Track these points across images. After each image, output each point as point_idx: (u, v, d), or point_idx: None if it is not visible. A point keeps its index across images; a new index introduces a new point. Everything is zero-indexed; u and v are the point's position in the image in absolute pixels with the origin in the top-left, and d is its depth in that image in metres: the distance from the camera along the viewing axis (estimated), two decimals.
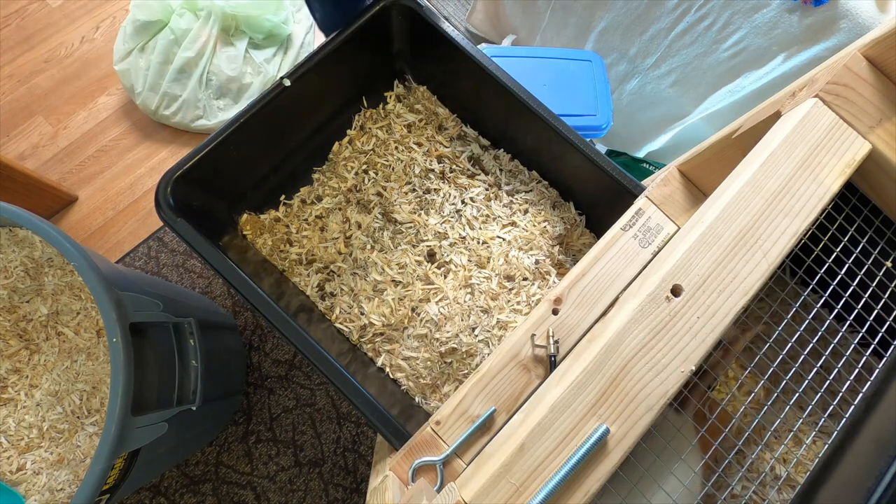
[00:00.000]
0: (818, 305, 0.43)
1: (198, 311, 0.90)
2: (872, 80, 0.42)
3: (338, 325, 0.68)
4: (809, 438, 0.44)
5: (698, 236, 0.38)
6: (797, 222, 0.39)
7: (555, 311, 0.59)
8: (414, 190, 0.72)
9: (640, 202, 0.62)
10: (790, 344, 0.42)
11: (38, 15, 1.39)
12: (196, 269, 1.24)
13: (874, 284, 0.44)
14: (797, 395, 0.43)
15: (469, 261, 0.70)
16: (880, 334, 0.43)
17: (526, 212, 0.73)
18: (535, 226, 0.72)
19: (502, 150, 0.77)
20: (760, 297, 0.41)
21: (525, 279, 0.69)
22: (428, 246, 0.70)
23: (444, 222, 0.71)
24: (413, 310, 0.67)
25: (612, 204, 0.66)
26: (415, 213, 0.71)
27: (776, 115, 0.45)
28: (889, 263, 0.45)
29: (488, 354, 0.64)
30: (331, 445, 1.18)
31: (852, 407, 0.41)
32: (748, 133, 0.49)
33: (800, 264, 0.45)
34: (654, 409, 0.35)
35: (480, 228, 0.71)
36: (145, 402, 0.65)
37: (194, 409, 0.71)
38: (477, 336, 0.66)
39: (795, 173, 0.40)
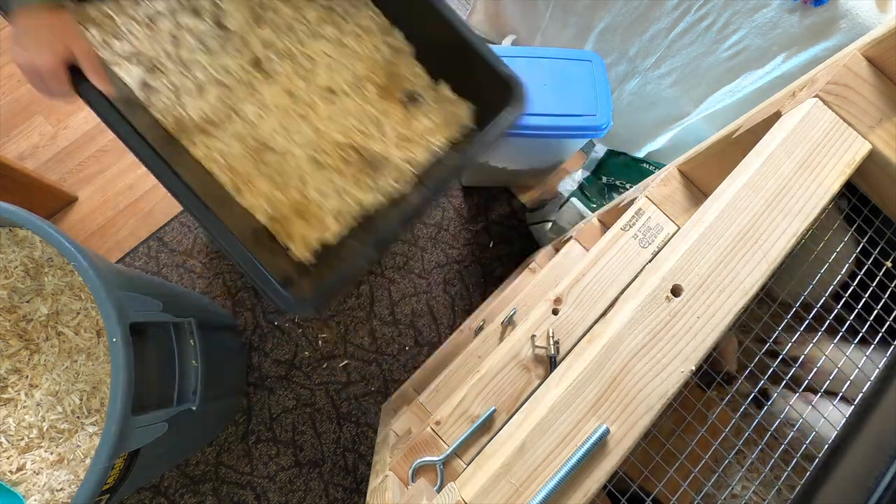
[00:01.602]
0: (818, 305, 0.43)
1: (198, 311, 0.90)
2: (872, 80, 0.42)
3: (156, 115, 0.70)
4: (809, 439, 0.44)
5: (698, 236, 0.38)
6: (797, 222, 0.39)
7: (555, 311, 0.59)
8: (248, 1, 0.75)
9: (640, 202, 0.63)
10: (790, 344, 0.42)
11: None
12: (196, 269, 1.24)
13: (874, 284, 0.44)
14: (796, 395, 0.43)
15: (294, 72, 0.74)
16: (880, 334, 0.43)
17: (358, 35, 0.77)
18: (361, 49, 0.77)
19: None
20: (760, 297, 0.41)
21: (345, 93, 0.75)
22: (253, 53, 0.74)
23: (274, 35, 0.74)
24: (233, 109, 0.72)
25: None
26: (247, 23, 0.74)
27: (776, 115, 0.45)
28: (889, 263, 0.45)
29: (305, 156, 0.72)
30: (331, 445, 1.18)
31: (852, 407, 0.41)
32: (748, 133, 0.49)
33: None
34: (654, 409, 0.35)
35: (309, 46, 0.75)
36: (145, 402, 0.65)
37: (194, 409, 0.71)
38: (293, 137, 0.72)
39: (795, 173, 0.40)
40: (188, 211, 0.59)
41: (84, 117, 1.32)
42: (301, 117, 0.73)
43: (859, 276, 0.44)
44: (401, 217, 0.66)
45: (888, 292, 0.44)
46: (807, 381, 0.44)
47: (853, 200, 0.45)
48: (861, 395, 0.41)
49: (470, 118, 0.76)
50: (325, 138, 0.73)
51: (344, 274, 0.61)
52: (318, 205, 0.71)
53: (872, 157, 0.41)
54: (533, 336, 0.58)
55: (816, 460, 0.39)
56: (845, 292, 0.44)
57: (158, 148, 0.59)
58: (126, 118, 0.59)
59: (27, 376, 0.75)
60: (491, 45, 0.72)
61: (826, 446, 0.40)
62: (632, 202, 0.65)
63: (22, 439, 0.72)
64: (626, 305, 0.38)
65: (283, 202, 0.70)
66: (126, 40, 0.72)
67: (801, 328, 0.43)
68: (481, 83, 0.71)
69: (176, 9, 0.73)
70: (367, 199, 0.73)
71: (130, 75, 0.71)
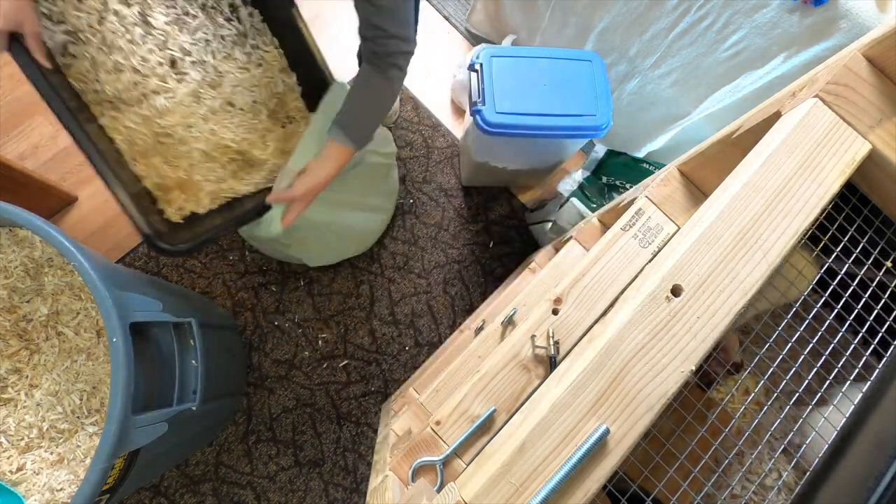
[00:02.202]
0: (818, 305, 0.43)
1: (198, 312, 0.90)
2: (872, 80, 0.42)
3: (72, 81, 0.77)
4: (809, 439, 0.44)
5: (698, 236, 0.38)
6: (797, 222, 0.39)
7: (555, 311, 0.59)
8: (174, 7, 0.83)
9: (640, 202, 0.62)
10: (790, 344, 0.42)
11: None
12: (196, 269, 1.24)
13: (874, 284, 0.44)
14: (797, 394, 0.43)
15: (203, 79, 0.84)
16: (880, 334, 0.43)
17: (259, 65, 0.90)
18: (263, 77, 0.90)
19: (257, 9, 0.89)
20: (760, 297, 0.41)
21: (241, 109, 0.89)
22: (172, 54, 0.82)
23: (192, 43, 0.83)
24: (144, 95, 0.80)
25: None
26: (169, 24, 0.82)
27: (776, 115, 0.45)
28: (889, 263, 0.45)
29: (198, 149, 0.84)
30: (331, 445, 1.18)
31: (852, 406, 0.41)
32: (748, 133, 0.49)
33: None
34: (654, 409, 0.35)
35: (221, 61, 0.86)
36: (145, 402, 0.65)
37: (194, 408, 0.71)
38: (192, 132, 0.84)
39: (795, 173, 0.40)
40: (91, 164, 0.73)
41: None
42: (202, 118, 0.85)
43: (859, 276, 0.44)
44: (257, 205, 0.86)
45: (888, 292, 0.44)
46: (807, 381, 0.44)
47: (853, 200, 0.45)
48: (861, 395, 0.41)
49: None
50: (218, 139, 0.86)
51: (200, 234, 0.83)
52: (198, 186, 0.86)
53: (872, 157, 0.41)
54: (533, 336, 0.58)
55: (817, 460, 0.39)
56: (845, 292, 0.44)
57: (73, 110, 0.73)
58: (50, 82, 0.70)
59: (27, 376, 0.75)
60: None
61: (826, 446, 0.40)
62: (632, 202, 0.65)
63: (22, 439, 0.72)
64: (626, 305, 0.38)
65: (170, 177, 0.84)
66: (53, 3, 0.76)
67: (802, 328, 0.43)
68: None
69: None
70: (242, 188, 0.90)
71: (53, 39, 0.76)
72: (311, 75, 0.92)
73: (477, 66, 1.01)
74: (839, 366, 0.43)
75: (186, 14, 0.83)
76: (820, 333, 0.43)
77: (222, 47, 0.86)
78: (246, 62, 0.89)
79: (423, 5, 1.48)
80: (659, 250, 0.59)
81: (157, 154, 0.83)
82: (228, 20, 0.87)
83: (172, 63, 0.83)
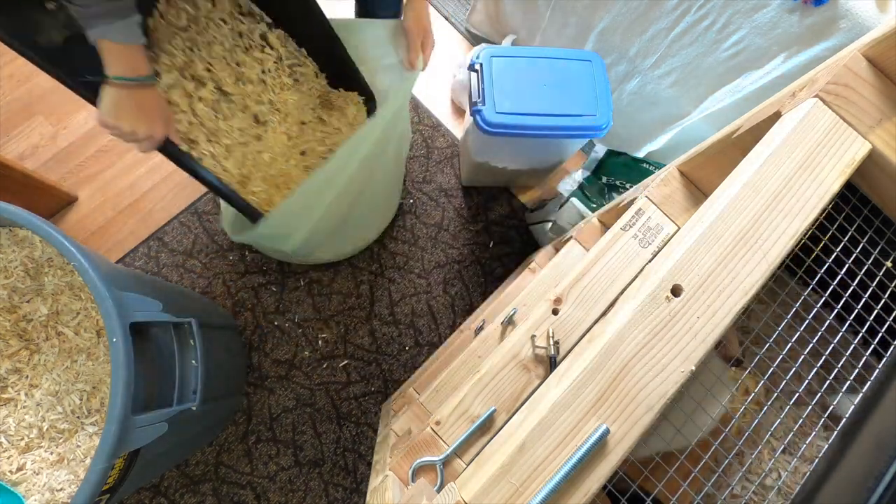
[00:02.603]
0: (818, 305, 0.43)
1: (198, 311, 0.90)
2: (872, 80, 0.42)
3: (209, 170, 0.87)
4: (809, 438, 0.44)
5: (698, 236, 0.38)
6: (797, 222, 0.39)
7: (555, 311, 0.59)
8: (229, 65, 0.87)
9: (640, 202, 0.63)
10: (790, 344, 0.42)
11: None
12: (196, 269, 1.24)
13: (874, 284, 0.44)
14: (797, 394, 0.43)
15: (280, 121, 0.93)
16: (880, 334, 0.43)
17: (297, 80, 0.96)
18: (306, 85, 0.97)
19: (280, 30, 0.92)
20: (760, 297, 0.41)
21: (310, 121, 0.98)
22: (253, 113, 0.90)
23: (259, 91, 0.90)
24: (254, 160, 0.91)
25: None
26: (237, 84, 0.87)
27: (776, 115, 0.45)
28: (889, 263, 0.45)
29: (296, 168, 0.96)
30: (331, 445, 1.18)
31: (852, 407, 0.41)
32: (748, 133, 0.49)
33: (800, 264, 0.45)
34: (654, 409, 0.35)
35: (279, 93, 0.93)
36: (145, 402, 0.65)
37: (194, 408, 0.71)
38: (290, 164, 0.96)
39: (795, 173, 0.40)
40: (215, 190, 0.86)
41: (84, 117, 1.32)
42: (291, 147, 0.96)
43: (859, 276, 0.44)
44: None
45: (888, 292, 0.44)
46: (807, 381, 0.44)
47: (853, 200, 0.45)
48: (861, 395, 0.41)
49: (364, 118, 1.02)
50: (307, 159, 0.98)
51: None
52: (287, 188, 0.97)
53: (872, 157, 0.41)
54: (533, 336, 0.58)
55: (817, 460, 0.40)
56: (845, 292, 0.44)
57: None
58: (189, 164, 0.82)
59: (27, 376, 0.75)
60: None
61: (826, 446, 0.40)
62: (632, 202, 0.65)
63: (22, 439, 0.72)
64: (626, 305, 0.38)
65: (273, 193, 0.96)
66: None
67: (802, 328, 0.43)
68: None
69: (182, 80, 0.82)
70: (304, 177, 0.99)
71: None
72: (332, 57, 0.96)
73: (477, 66, 1.01)
74: (839, 366, 0.43)
75: (238, 64, 0.88)
76: (820, 333, 0.43)
77: (274, 80, 0.92)
78: (294, 83, 0.95)
79: None
80: (659, 250, 0.59)
81: (260, 180, 0.94)
82: (263, 49, 0.91)
83: (256, 119, 0.91)
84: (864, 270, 0.44)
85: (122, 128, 0.68)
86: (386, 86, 0.96)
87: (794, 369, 0.42)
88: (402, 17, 0.90)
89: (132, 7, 0.60)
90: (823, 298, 0.43)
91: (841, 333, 0.44)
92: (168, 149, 0.78)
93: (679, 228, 0.58)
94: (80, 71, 0.67)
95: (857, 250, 0.44)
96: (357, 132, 0.87)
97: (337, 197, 0.93)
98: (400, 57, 0.93)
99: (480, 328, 0.97)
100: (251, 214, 0.90)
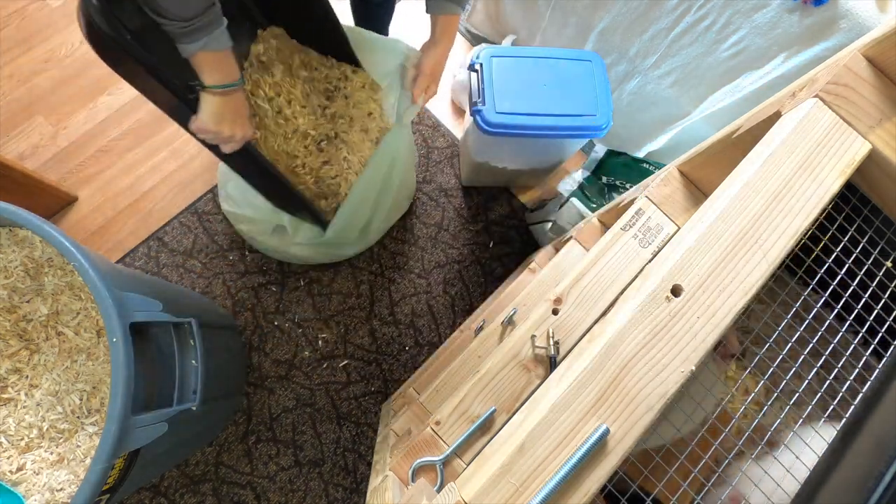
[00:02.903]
0: (818, 305, 0.43)
1: (198, 311, 0.90)
2: (872, 80, 0.42)
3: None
4: (809, 438, 0.44)
5: (698, 236, 0.38)
6: (797, 222, 0.39)
7: (555, 311, 0.59)
8: (306, 106, 0.95)
9: (640, 202, 0.63)
10: (790, 344, 0.42)
11: (38, 15, 1.39)
12: (196, 269, 1.24)
13: (874, 284, 0.44)
14: (797, 394, 0.43)
15: (346, 142, 0.99)
16: (880, 334, 0.43)
17: (345, 90, 1.01)
18: (355, 92, 1.01)
19: (332, 55, 0.98)
20: (760, 297, 0.41)
21: (368, 129, 1.01)
22: (317, 139, 0.97)
23: (320, 122, 0.97)
24: (334, 179, 1.00)
25: None
26: (319, 124, 0.96)
27: (776, 115, 0.45)
28: (889, 263, 0.45)
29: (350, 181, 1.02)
30: (331, 445, 1.18)
31: (852, 407, 0.41)
32: (748, 133, 0.49)
33: (800, 264, 0.45)
34: (654, 409, 0.35)
35: (342, 108, 1.00)
36: (145, 402, 0.65)
37: (194, 409, 0.71)
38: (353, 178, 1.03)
39: (795, 173, 0.40)
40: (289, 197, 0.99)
41: (84, 117, 1.32)
42: (358, 161, 1.02)
43: (859, 276, 0.44)
44: None
45: (888, 292, 0.44)
46: (807, 381, 0.44)
47: (853, 200, 0.45)
48: (861, 394, 0.41)
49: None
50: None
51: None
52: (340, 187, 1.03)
53: (872, 157, 0.41)
54: (533, 336, 0.58)
55: (817, 460, 0.39)
56: (845, 292, 0.44)
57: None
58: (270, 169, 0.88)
59: (27, 376, 0.75)
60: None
61: (826, 446, 0.40)
62: (632, 202, 0.65)
63: (22, 439, 0.72)
64: (626, 305, 0.38)
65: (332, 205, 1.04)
66: None
67: (802, 328, 0.43)
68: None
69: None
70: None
71: None
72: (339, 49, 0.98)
73: (477, 66, 1.01)
74: (839, 366, 0.43)
75: (321, 106, 0.96)
76: (820, 333, 0.43)
77: (345, 96, 0.99)
78: (346, 103, 1.00)
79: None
80: (659, 250, 0.59)
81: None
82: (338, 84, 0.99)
83: (318, 144, 0.97)
84: (864, 270, 0.44)
85: (222, 133, 0.70)
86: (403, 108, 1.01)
87: (794, 369, 0.42)
88: (423, 51, 0.90)
89: (221, 13, 0.61)
90: (823, 298, 0.43)
91: (841, 333, 0.44)
92: (255, 156, 0.82)
93: (679, 228, 0.58)
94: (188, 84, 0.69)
95: (857, 250, 0.44)
96: (385, 140, 0.98)
97: (377, 196, 1.02)
98: (406, 86, 0.96)
99: (480, 328, 0.97)
100: (320, 220, 1.00)
